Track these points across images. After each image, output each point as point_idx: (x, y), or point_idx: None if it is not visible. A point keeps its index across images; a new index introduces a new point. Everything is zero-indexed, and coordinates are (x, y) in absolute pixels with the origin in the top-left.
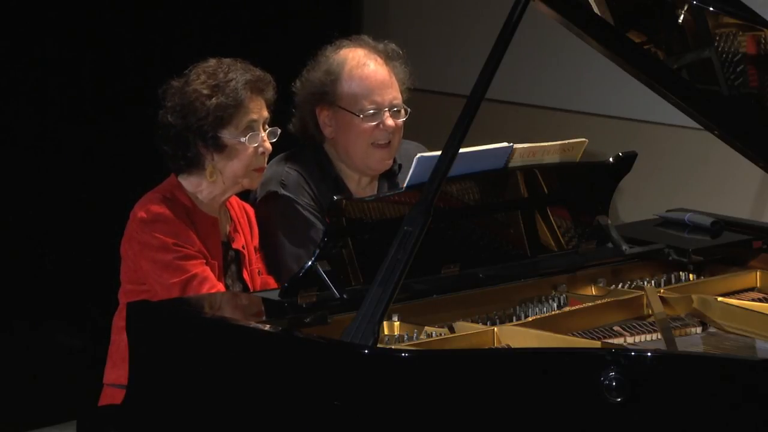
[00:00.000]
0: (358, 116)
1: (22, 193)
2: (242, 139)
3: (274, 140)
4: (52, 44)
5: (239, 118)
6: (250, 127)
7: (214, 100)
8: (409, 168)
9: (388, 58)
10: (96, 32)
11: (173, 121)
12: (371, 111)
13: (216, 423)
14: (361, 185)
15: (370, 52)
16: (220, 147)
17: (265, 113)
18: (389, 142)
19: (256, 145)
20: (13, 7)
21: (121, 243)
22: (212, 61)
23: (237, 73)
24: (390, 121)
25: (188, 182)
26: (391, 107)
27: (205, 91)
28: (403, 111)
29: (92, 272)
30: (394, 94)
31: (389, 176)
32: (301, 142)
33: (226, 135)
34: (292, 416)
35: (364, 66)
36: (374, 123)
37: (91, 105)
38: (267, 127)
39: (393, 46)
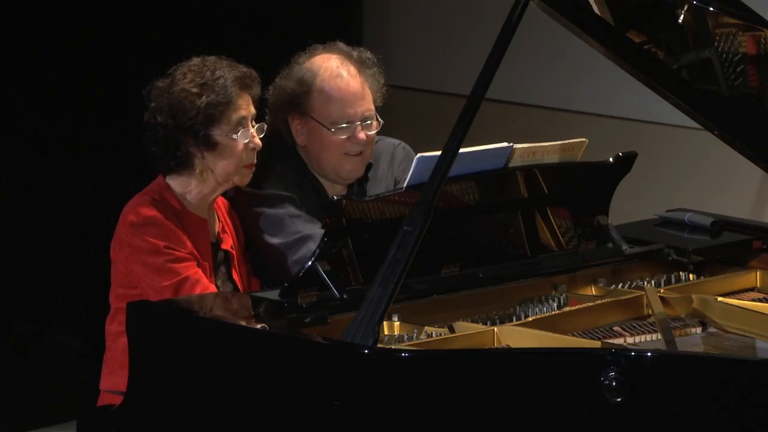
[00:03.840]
0: (330, 129)
1: (21, 194)
2: (234, 136)
3: (262, 135)
4: (38, 45)
5: (229, 115)
6: (240, 124)
7: (204, 98)
8: (381, 165)
9: (362, 66)
10: (87, 32)
11: (162, 121)
12: (343, 125)
13: (216, 423)
14: (335, 189)
15: (343, 61)
16: (211, 145)
17: (252, 109)
18: (361, 152)
19: (246, 141)
20: None
21: (110, 246)
22: (196, 60)
23: (224, 71)
24: (362, 135)
25: (177, 183)
26: (363, 120)
27: (194, 90)
28: (375, 123)
29: (92, 272)
30: (366, 106)
31: (360, 179)
32: (272, 146)
33: (217, 132)
34: (292, 416)
35: (337, 78)
36: (345, 136)
37: (84, 107)
38: (254, 123)
39: (368, 54)
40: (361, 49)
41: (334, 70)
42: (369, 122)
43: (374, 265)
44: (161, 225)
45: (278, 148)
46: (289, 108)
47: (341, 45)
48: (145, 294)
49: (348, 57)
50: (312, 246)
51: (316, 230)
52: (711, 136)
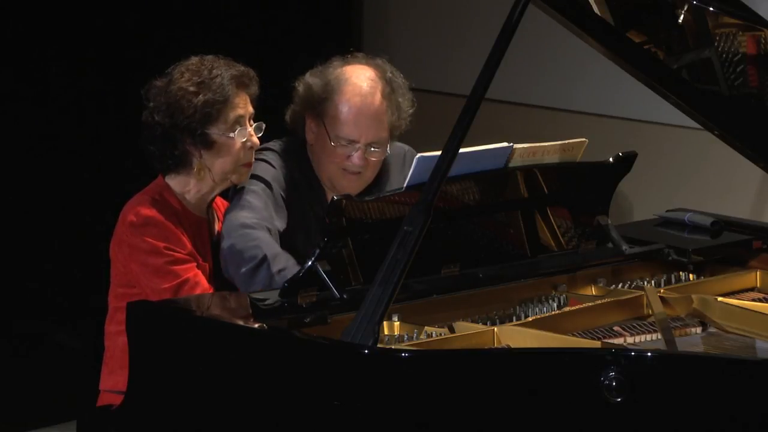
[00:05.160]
0: (332, 141)
1: (21, 194)
2: (231, 135)
3: (260, 134)
4: (38, 44)
5: (226, 113)
6: (238, 122)
7: (201, 96)
8: (392, 171)
9: (391, 91)
10: (86, 31)
11: (160, 120)
12: (344, 142)
13: (216, 423)
14: (335, 190)
15: (374, 81)
16: (208, 144)
17: (250, 108)
18: (359, 172)
19: (244, 140)
20: None
21: (110, 245)
22: (194, 59)
23: (221, 69)
24: (356, 159)
25: (176, 182)
26: (367, 145)
27: (192, 89)
28: (380, 151)
29: (92, 272)
30: (375, 132)
31: (370, 186)
32: (289, 136)
33: (215, 131)
34: (292, 416)
35: (359, 96)
36: (345, 153)
37: (83, 106)
38: (253, 122)
39: (401, 79)
40: (398, 73)
41: (360, 88)
42: (373, 149)
43: (374, 265)
44: (161, 225)
45: (292, 140)
46: (308, 105)
47: (380, 61)
48: (144, 294)
49: (381, 77)
50: (246, 215)
51: (260, 211)
52: (711, 136)
